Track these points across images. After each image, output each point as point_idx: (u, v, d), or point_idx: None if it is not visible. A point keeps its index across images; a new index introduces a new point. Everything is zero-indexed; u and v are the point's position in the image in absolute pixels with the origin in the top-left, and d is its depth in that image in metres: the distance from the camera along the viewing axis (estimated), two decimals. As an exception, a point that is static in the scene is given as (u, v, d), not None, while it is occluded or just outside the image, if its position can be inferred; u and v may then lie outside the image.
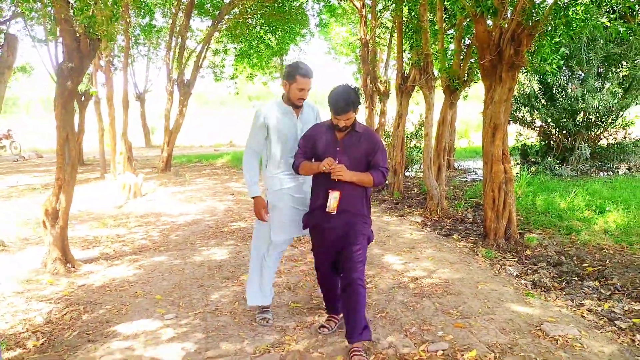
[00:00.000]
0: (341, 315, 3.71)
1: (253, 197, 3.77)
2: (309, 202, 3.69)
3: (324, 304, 3.95)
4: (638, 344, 3.53)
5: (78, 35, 5.17)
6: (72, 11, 5.11)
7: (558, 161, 11.90)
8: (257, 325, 3.93)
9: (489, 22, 5.93)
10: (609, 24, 5.51)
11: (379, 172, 3.40)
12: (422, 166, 10.71)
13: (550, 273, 5.10)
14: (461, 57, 7.89)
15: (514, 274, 5.10)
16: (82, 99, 13.82)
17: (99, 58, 11.44)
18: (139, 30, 16.12)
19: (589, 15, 5.41)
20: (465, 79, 8.05)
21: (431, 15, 8.78)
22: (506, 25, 5.62)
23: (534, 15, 5.46)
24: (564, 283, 4.83)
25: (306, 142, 3.58)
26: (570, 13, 5.29)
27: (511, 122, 12.81)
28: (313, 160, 3.56)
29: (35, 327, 4.04)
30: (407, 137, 12.12)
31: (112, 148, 12.41)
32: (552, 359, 3.27)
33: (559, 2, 5.35)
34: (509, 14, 5.66)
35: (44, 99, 49.10)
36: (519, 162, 12.95)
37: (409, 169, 12.70)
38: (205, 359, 3.40)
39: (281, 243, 3.92)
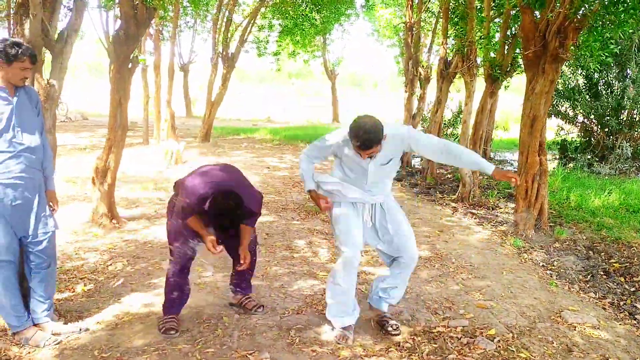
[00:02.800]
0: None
1: (308, 191, 3.49)
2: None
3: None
4: (655, 338, 3.62)
5: (136, 3, 5.42)
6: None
7: (597, 159, 11.72)
8: (287, 289, 4.17)
9: (536, 13, 5.92)
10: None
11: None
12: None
13: (576, 266, 5.17)
14: (505, 47, 7.87)
15: (541, 264, 5.19)
16: (130, 65, 14.20)
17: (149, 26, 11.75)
18: (187, 1, 16.39)
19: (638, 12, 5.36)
20: (508, 69, 8.02)
21: (478, 2, 8.73)
22: (553, 18, 5.62)
23: (582, 9, 5.44)
24: (589, 276, 4.90)
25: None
26: (620, 8, 5.25)
27: (552, 115, 12.65)
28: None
29: (83, 274, 4.37)
30: (445, 124, 12.12)
31: (156, 115, 12.79)
32: (567, 343, 3.40)
33: (608, -3, 5.32)
34: (556, 6, 5.64)
35: (90, 64, 50.23)
36: (558, 157, 12.80)
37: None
38: (238, 313, 3.65)
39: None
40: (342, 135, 3.28)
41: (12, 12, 3.58)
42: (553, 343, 3.39)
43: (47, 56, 4.00)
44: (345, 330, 3.38)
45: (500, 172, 3.16)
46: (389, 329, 3.45)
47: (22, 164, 3.05)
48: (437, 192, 8.78)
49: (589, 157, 11.61)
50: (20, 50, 2.96)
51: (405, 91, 12.15)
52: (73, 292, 4.00)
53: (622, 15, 5.30)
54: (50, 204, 3.34)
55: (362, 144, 3.03)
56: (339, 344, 3.29)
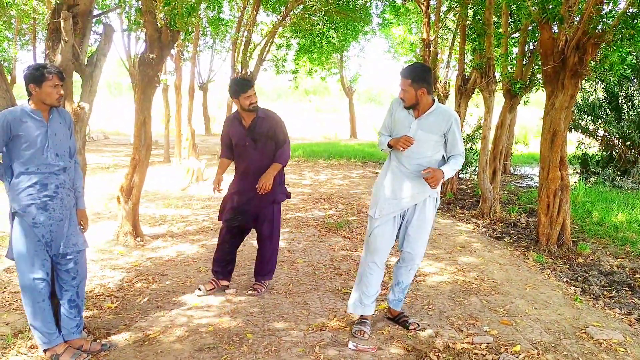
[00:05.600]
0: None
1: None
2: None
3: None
4: (684, 355, 3.57)
5: (160, 26, 5.58)
6: (155, 3, 5.52)
7: (619, 173, 11.60)
8: (310, 305, 4.20)
9: (555, 29, 5.95)
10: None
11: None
12: (477, 169, 10.71)
13: (600, 281, 5.12)
14: (524, 62, 7.88)
15: (564, 280, 5.15)
16: (154, 86, 14.49)
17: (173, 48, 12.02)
18: (206, 22, 16.71)
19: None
20: (527, 84, 8.03)
21: (496, 18, 8.78)
22: (572, 33, 5.64)
23: (601, 24, 5.45)
24: (613, 292, 4.85)
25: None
26: (638, 23, 5.25)
27: (573, 130, 12.56)
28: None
29: (109, 291, 4.46)
30: (464, 139, 12.10)
31: (177, 134, 13.00)
32: (594, 359, 3.38)
33: (627, 12, 5.33)
34: (575, 22, 5.66)
35: (110, 83, 51.17)
36: (579, 171, 12.69)
37: (464, 171, 12.69)
38: (262, 330, 3.69)
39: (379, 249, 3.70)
40: (393, 100, 3.75)
41: (36, 36, 3.73)
42: (579, 359, 3.37)
43: (77, 79, 4.14)
44: (361, 324, 3.72)
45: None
46: (410, 327, 3.77)
47: (55, 184, 3.16)
48: (457, 208, 8.75)
49: (611, 171, 11.49)
50: (45, 70, 3.08)
51: (424, 107, 12.16)
52: (100, 309, 4.08)
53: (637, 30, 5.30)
54: (81, 222, 3.44)
55: (403, 69, 3.49)
56: (354, 336, 3.62)
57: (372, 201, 3.75)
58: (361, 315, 3.78)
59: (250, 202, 4.31)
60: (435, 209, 3.76)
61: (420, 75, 3.44)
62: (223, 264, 4.49)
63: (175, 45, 11.97)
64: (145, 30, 5.65)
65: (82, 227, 3.45)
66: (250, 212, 4.35)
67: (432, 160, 3.59)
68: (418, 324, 3.80)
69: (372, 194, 3.82)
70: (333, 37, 16.21)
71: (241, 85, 4.17)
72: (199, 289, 4.39)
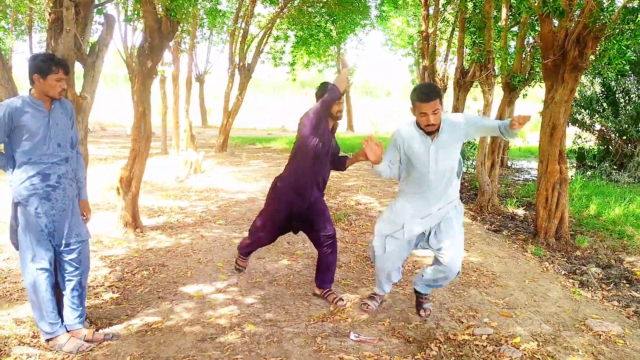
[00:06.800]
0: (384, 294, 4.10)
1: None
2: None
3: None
4: (682, 347, 3.61)
5: (160, 16, 5.54)
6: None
7: (615, 167, 11.65)
8: (311, 297, 4.21)
9: (555, 22, 5.95)
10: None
11: None
12: (474, 162, 10.74)
13: (599, 274, 5.16)
14: (523, 56, 7.89)
15: (562, 273, 5.18)
16: (152, 77, 14.42)
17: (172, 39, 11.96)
18: (204, 13, 16.61)
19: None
20: (526, 77, 8.04)
21: (495, 11, 8.78)
22: (572, 27, 5.64)
23: (601, 18, 5.46)
24: (611, 285, 4.89)
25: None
26: (639, 17, 5.26)
27: (570, 124, 12.59)
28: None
29: (110, 282, 4.46)
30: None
31: (175, 125, 12.96)
32: (593, 351, 3.41)
33: (627, 6, 5.33)
34: (575, 16, 5.67)
35: (106, 75, 50.88)
36: (575, 165, 12.74)
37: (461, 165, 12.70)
38: (264, 320, 3.71)
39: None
40: (401, 125, 3.59)
41: (32, 26, 3.71)
42: (579, 351, 3.39)
43: (79, 69, 4.12)
44: (371, 299, 3.98)
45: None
46: (420, 312, 3.89)
47: (57, 174, 3.16)
48: (455, 201, 8.77)
49: (607, 165, 11.53)
50: (53, 63, 3.06)
51: (422, 100, 12.16)
52: (102, 299, 4.08)
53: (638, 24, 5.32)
54: (83, 213, 3.43)
55: (423, 93, 3.26)
56: (360, 308, 3.93)
57: (390, 221, 3.65)
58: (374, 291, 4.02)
59: None
60: (460, 215, 3.66)
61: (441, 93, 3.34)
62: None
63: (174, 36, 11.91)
64: (144, 21, 5.61)
65: (84, 218, 3.45)
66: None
67: (454, 168, 3.50)
68: (429, 313, 3.89)
69: (386, 215, 3.72)
70: (331, 30, 16.16)
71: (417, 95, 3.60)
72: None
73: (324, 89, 3.87)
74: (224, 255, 5.24)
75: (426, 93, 3.26)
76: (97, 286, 4.35)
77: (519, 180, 11.67)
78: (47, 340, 3.27)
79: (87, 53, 3.82)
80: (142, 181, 6.15)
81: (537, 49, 7.39)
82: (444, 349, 3.36)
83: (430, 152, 3.41)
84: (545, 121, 6.07)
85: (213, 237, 5.86)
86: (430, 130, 3.36)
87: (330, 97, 3.73)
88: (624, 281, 5.01)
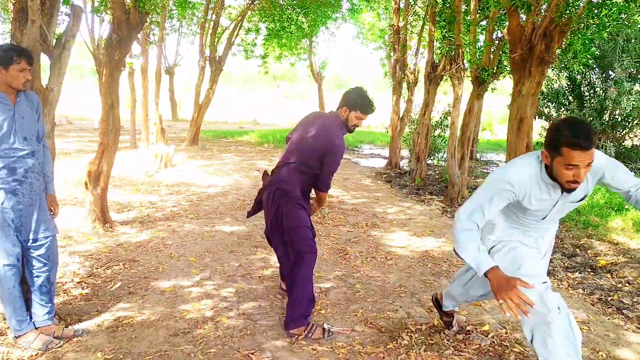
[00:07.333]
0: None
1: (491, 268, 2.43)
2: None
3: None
4: (643, 332, 3.75)
5: (128, 7, 5.45)
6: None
7: (581, 159, 11.94)
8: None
9: (522, 16, 6.06)
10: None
11: None
12: (445, 155, 10.89)
13: (564, 263, 5.30)
14: (492, 50, 8.01)
15: (529, 262, 5.30)
16: (120, 69, 14.16)
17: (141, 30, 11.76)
18: (173, 4, 16.37)
19: (622, 15, 5.52)
20: (495, 71, 8.17)
21: (465, 5, 8.88)
22: (539, 21, 5.75)
23: (568, 12, 5.58)
24: (576, 273, 5.03)
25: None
26: (603, 12, 5.40)
27: (537, 117, 12.86)
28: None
29: (79, 278, 4.39)
30: (432, 125, 12.27)
31: (144, 119, 12.77)
32: (559, 337, 3.51)
33: (592, 1, 5.47)
34: (542, 10, 5.78)
35: (72, 67, 49.74)
36: (542, 158, 13.01)
37: (432, 157, 12.87)
38: (237, 314, 3.71)
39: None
40: (527, 164, 2.57)
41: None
42: (545, 338, 3.49)
43: (45, 61, 4.02)
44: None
45: None
46: (452, 329, 3.56)
47: (24, 168, 3.09)
48: (427, 193, 8.89)
49: (573, 157, 11.81)
50: (15, 53, 2.99)
51: (393, 94, 12.27)
52: (71, 296, 4.01)
53: (605, 19, 5.45)
54: (51, 207, 3.37)
55: (584, 137, 2.24)
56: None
57: (517, 267, 2.62)
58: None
59: None
60: None
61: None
62: None
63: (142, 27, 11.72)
64: (112, 12, 5.51)
65: (52, 213, 3.38)
66: None
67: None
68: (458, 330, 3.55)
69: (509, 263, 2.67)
70: (302, 22, 16.11)
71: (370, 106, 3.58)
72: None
73: (350, 99, 3.57)
74: (196, 249, 5.21)
75: (588, 138, 2.25)
76: (66, 282, 4.27)
77: (488, 172, 11.89)
78: (16, 337, 3.21)
79: (54, 44, 3.73)
80: (111, 175, 6.07)
81: (506, 42, 7.51)
82: (415, 337, 3.42)
83: (555, 206, 2.65)
84: (513, 114, 6.18)
85: (185, 232, 5.82)
86: (571, 188, 2.44)
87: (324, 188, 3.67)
88: (589, 269, 5.16)
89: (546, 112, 12.76)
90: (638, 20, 5.55)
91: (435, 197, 8.57)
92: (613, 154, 11.55)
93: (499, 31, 8.35)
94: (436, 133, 12.82)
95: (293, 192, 3.51)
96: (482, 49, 8.20)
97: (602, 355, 3.30)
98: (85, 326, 3.46)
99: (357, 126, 3.60)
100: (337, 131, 3.52)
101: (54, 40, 3.74)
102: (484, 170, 12.15)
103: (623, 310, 4.12)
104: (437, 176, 10.77)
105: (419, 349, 3.26)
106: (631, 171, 9.99)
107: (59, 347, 3.18)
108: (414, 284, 4.45)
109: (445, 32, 8.76)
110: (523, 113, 6.05)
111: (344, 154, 3.85)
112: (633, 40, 10.94)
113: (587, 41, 5.99)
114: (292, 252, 3.48)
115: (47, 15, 3.56)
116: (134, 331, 3.42)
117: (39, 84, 3.56)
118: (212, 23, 13.97)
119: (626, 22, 5.41)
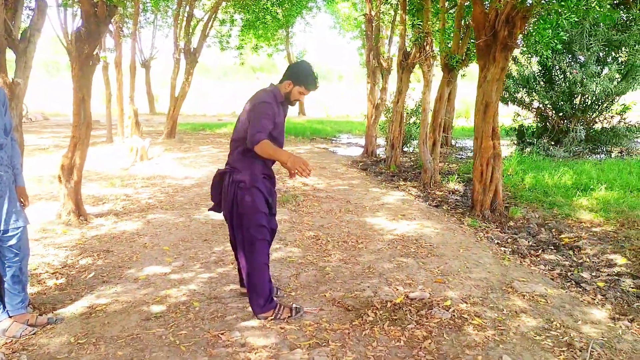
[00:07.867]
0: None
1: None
2: None
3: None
4: (597, 302, 3.94)
5: (96, 1, 5.46)
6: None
7: (553, 142, 12.23)
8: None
9: (486, 3, 6.21)
10: (600, 9, 5.77)
11: None
12: (417, 141, 11.05)
13: (528, 242, 5.50)
14: (460, 37, 8.16)
15: (495, 242, 5.50)
16: (91, 63, 14.04)
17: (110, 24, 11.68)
18: (147, -3, 16.26)
19: (582, 1, 5.68)
20: (463, 58, 8.33)
21: (434, -6, 9.01)
22: (502, 8, 5.91)
23: (529, -1, 5.74)
24: (540, 251, 5.23)
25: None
26: (561, -1, 5.56)
27: (509, 102, 13.11)
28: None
29: (54, 269, 4.45)
30: (407, 113, 12.44)
31: (119, 113, 12.72)
32: (516, 309, 3.69)
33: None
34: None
35: (47, 62, 48.91)
36: (516, 142, 13.28)
37: (407, 145, 13.04)
38: (209, 298, 3.82)
39: None
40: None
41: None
42: (503, 310, 3.67)
43: (11, 56, 4.06)
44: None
45: None
46: None
47: (-9, 161, 3.14)
48: (401, 179, 9.06)
49: (545, 141, 12.09)
50: None
51: (368, 82, 12.39)
52: (45, 286, 4.08)
53: (562, 6, 5.62)
54: (21, 199, 3.43)
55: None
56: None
57: None
58: None
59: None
60: None
61: None
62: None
63: (114, 20, 11.64)
64: (80, 5, 5.52)
65: (22, 204, 3.45)
66: None
67: None
68: None
69: None
70: (277, 12, 16.10)
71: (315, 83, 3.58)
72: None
73: (295, 73, 3.56)
74: (170, 239, 5.29)
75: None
76: (40, 273, 4.33)
77: (462, 158, 12.11)
78: (-11, 327, 3.28)
79: (19, 39, 3.77)
80: (87, 170, 6.11)
81: (473, 29, 7.67)
82: (380, 314, 3.57)
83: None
84: (479, 99, 6.36)
85: (159, 222, 5.90)
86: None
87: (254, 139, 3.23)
88: (552, 247, 5.37)
89: (518, 97, 13.01)
90: (596, 8, 5.71)
91: (409, 182, 8.73)
92: (583, 136, 11.85)
93: (467, 18, 8.50)
94: (411, 121, 13.00)
95: (243, 176, 3.42)
96: (450, 36, 8.34)
97: (556, 325, 3.48)
98: (59, 314, 3.54)
99: (299, 101, 3.58)
100: (264, 96, 3.42)
101: (19, 35, 3.78)
102: (458, 156, 12.36)
103: (581, 284, 4.32)
104: (412, 163, 10.94)
105: (383, 324, 3.41)
106: (600, 153, 10.14)
107: (33, 334, 3.26)
108: (383, 266, 4.60)
109: (415, 19, 8.89)
110: (488, 98, 6.22)
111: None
112: (602, 25, 11.18)
113: (553, 27, 6.15)
114: (245, 239, 3.43)
115: (11, 10, 3.61)
116: (107, 317, 3.51)
117: (5, 78, 3.60)
118: (186, 15, 13.93)
119: (584, 8, 5.56)
